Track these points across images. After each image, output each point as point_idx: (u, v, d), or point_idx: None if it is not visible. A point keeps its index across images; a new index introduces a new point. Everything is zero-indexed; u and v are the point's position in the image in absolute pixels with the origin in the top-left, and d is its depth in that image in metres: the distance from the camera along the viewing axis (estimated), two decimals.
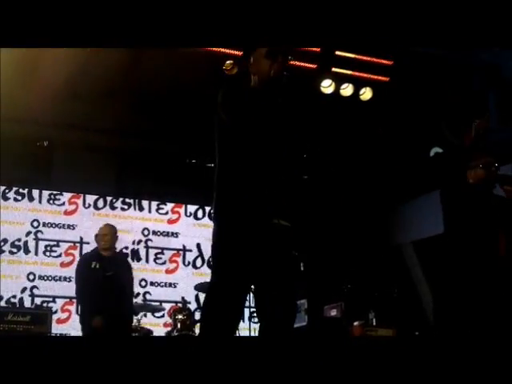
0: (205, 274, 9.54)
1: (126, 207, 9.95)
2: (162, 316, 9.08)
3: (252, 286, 3.60)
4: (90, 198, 9.74)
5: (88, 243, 9.48)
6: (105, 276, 7.06)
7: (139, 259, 9.86)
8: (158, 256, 10.01)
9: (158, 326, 8.93)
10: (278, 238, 3.48)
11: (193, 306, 9.36)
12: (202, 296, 8.46)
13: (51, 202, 9.50)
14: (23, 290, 8.98)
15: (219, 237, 3.56)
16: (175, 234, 10.17)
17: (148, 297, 9.63)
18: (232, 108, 3.57)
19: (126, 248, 9.73)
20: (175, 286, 9.89)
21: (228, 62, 7.69)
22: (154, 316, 8.94)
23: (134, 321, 7.57)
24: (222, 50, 7.65)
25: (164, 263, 10.02)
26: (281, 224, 3.52)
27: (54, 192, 9.54)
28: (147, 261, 9.93)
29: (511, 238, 4.69)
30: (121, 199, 9.94)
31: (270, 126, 3.55)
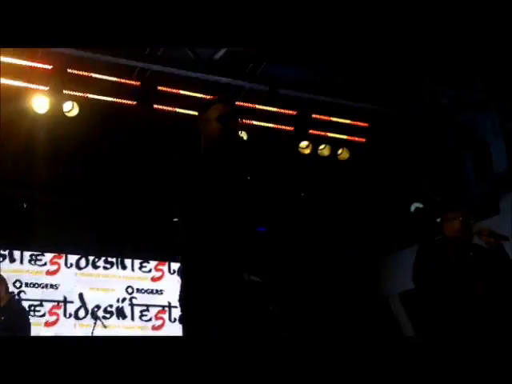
0: None
1: (108, 266, 9.92)
2: None
3: None
4: (72, 258, 9.70)
5: (72, 302, 9.50)
6: None
7: (124, 317, 9.82)
8: (144, 313, 9.97)
9: None
10: (248, 293, 3.50)
11: None
12: None
13: (33, 262, 9.46)
14: None
15: (185, 291, 3.61)
16: (160, 291, 10.15)
17: None
18: (180, 179, 3.65)
19: (111, 306, 9.73)
20: None
21: None
22: None
23: None
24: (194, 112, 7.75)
25: (150, 320, 9.97)
26: (251, 280, 3.52)
27: (35, 253, 9.50)
28: (132, 318, 9.87)
29: (489, 284, 4.78)
30: (103, 258, 9.89)
31: (222, 188, 3.57)
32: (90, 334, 8.33)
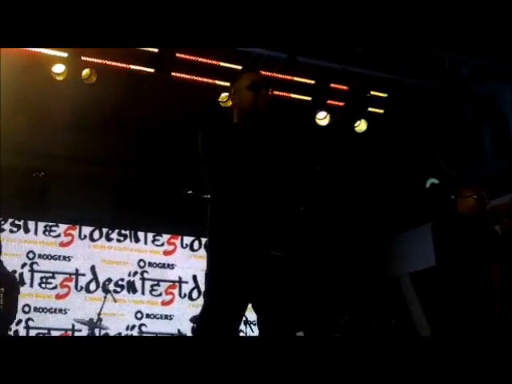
0: (201, 306, 9.47)
1: (121, 238, 9.93)
2: None
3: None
4: (86, 230, 9.73)
5: (84, 275, 9.51)
6: None
7: (135, 291, 9.82)
8: (154, 288, 9.98)
9: None
10: (269, 268, 3.45)
11: None
12: None
13: (47, 233, 9.50)
14: (18, 323, 8.88)
15: (211, 267, 3.54)
16: (171, 266, 10.14)
17: (144, 329, 9.59)
18: (211, 150, 3.52)
19: (122, 279, 9.72)
20: (171, 318, 9.84)
21: (223, 94, 7.73)
22: None
23: None
24: (218, 82, 7.72)
25: (160, 295, 9.98)
26: (272, 254, 3.49)
27: (50, 223, 9.53)
28: (143, 293, 9.89)
29: (504, 270, 4.69)
30: (117, 231, 9.92)
31: (253, 161, 3.50)
32: (100, 309, 8.30)
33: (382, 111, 8.37)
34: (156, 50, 7.52)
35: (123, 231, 9.96)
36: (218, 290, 3.49)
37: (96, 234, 9.78)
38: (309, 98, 8.10)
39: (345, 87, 8.09)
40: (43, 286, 9.30)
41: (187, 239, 10.27)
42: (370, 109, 8.29)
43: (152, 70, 7.59)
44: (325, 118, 8.27)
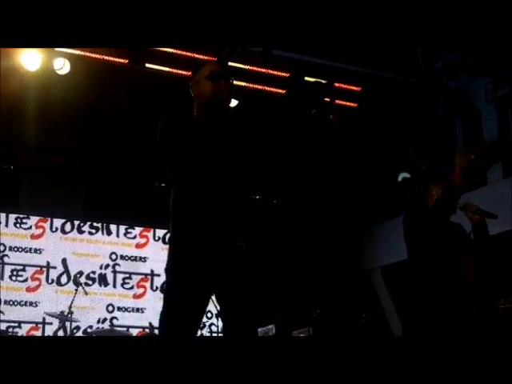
0: None
1: (93, 231, 9.86)
2: None
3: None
4: (58, 222, 9.63)
5: (55, 267, 9.45)
6: None
7: (107, 284, 9.78)
8: (126, 281, 9.94)
9: None
10: (232, 258, 3.41)
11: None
12: None
13: (18, 225, 9.38)
14: None
15: (172, 260, 3.51)
16: (143, 259, 10.11)
17: (115, 322, 9.54)
18: (168, 139, 3.46)
19: (94, 272, 9.66)
20: (143, 312, 9.81)
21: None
22: None
23: None
24: (186, 72, 7.69)
25: (132, 288, 9.95)
26: (235, 244, 3.44)
27: (21, 215, 9.42)
28: (114, 286, 9.85)
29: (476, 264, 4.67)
30: (88, 223, 9.84)
31: (212, 151, 3.44)
32: (71, 302, 8.25)
33: (355, 105, 8.40)
34: None
35: (95, 224, 9.88)
36: (179, 285, 3.44)
37: (68, 227, 9.69)
38: (283, 91, 8.12)
39: (319, 80, 8.09)
40: (14, 278, 9.21)
41: (160, 232, 10.21)
42: (343, 102, 8.31)
43: (126, 61, 7.55)
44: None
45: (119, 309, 9.69)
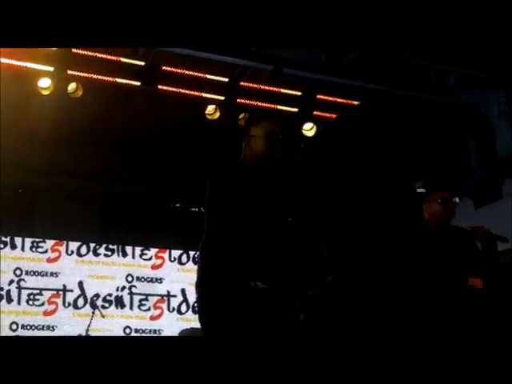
0: (190, 320, 9.46)
1: (109, 253, 9.87)
2: None
3: None
4: (73, 245, 9.64)
5: (71, 291, 9.44)
6: None
7: (123, 306, 9.75)
8: (143, 302, 9.91)
9: None
10: (256, 300, 3.51)
11: None
12: None
13: (34, 249, 9.41)
14: None
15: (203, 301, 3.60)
16: (159, 280, 10.09)
17: None
18: (223, 190, 3.65)
19: (110, 295, 9.66)
20: (160, 333, 9.78)
21: (210, 107, 7.74)
22: None
23: None
24: (204, 94, 7.73)
25: (148, 309, 9.92)
26: (258, 286, 3.54)
27: (37, 239, 9.44)
28: (131, 308, 9.82)
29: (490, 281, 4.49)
30: (104, 245, 9.84)
31: (260, 203, 3.63)
32: (88, 325, 8.24)
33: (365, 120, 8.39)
34: (142, 63, 7.51)
35: (110, 246, 9.89)
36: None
37: (83, 249, 9.70)
38: (295, 110, 8.12)
39: (331, 98, 8.10)
40: (31, 302, 9.21)
41: (175, 253, 10.21)
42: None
43: (138, 83, 7.57)
44: (311, 129, 8.28)
45: (136, 331, 9.67)
